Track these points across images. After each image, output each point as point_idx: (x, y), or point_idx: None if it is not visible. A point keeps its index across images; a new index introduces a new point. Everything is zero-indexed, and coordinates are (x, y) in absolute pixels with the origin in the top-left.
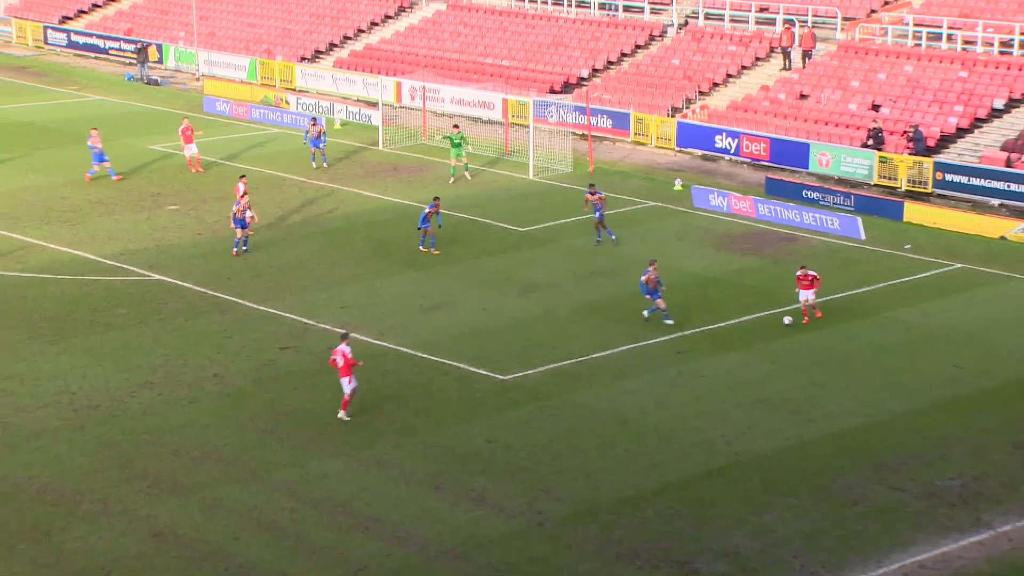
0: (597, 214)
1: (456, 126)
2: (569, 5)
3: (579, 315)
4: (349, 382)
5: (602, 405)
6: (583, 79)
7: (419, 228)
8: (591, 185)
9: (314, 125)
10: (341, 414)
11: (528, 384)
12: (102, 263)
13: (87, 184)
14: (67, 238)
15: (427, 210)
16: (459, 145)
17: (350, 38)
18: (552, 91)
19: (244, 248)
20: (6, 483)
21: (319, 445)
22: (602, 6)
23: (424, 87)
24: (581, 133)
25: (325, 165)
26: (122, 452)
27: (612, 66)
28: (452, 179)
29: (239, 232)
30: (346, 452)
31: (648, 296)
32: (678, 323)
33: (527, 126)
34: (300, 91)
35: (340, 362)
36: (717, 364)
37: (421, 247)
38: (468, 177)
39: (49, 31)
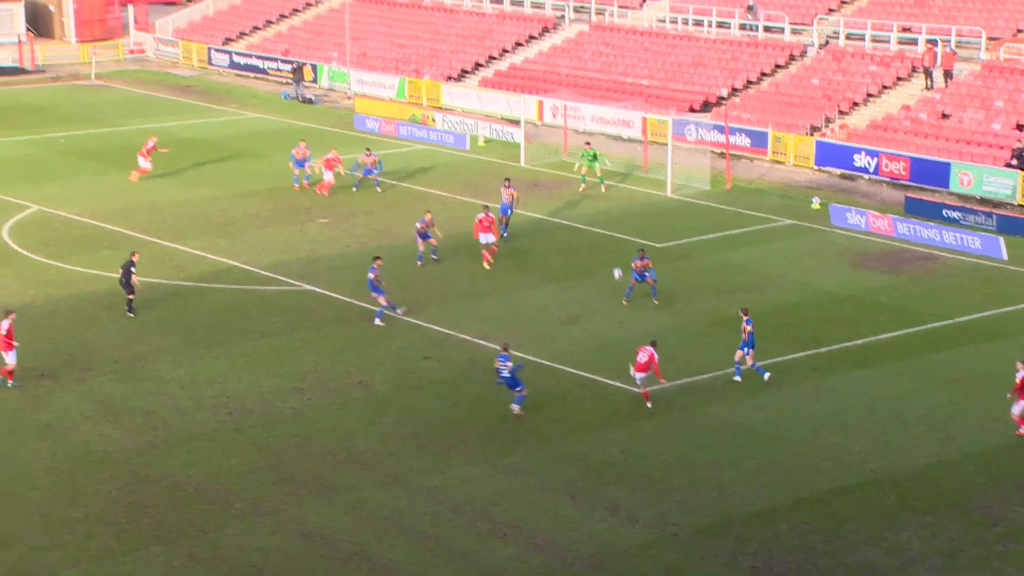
0: (505, 211)
1: (588, 143)
2: (710, 26)
3: (715, 329)
4: (643, 377)
5: (736, 419)
6: (722, 98)
7: (636, 281)
8: (506, 179)
9: (368, 156)
10: (649, 405)
11: (663, 396)
12: (257, 273)
13: (245, 197)
14: (225, 249)
15: (634, 263)
16: (594, 160)
17: (495, 58)
18: (691, 110)
19: (434, 257)
20: (166, 481)
21: (459, 452)
22: (743, 27)
23: (565, 105)
24: (719, 151)
25: (378, 190)
26: (273, 454)
27: (751, 85)
28: (582, 186)
29: (422, 245)
30: (485, 459)
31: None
32: (814, 339)
33: (666, 144)
34: (446, 109)
35: (643, 359)
36: (852, 381)
37: (626, 300)
38: (603, 190)
39: (213, 52)
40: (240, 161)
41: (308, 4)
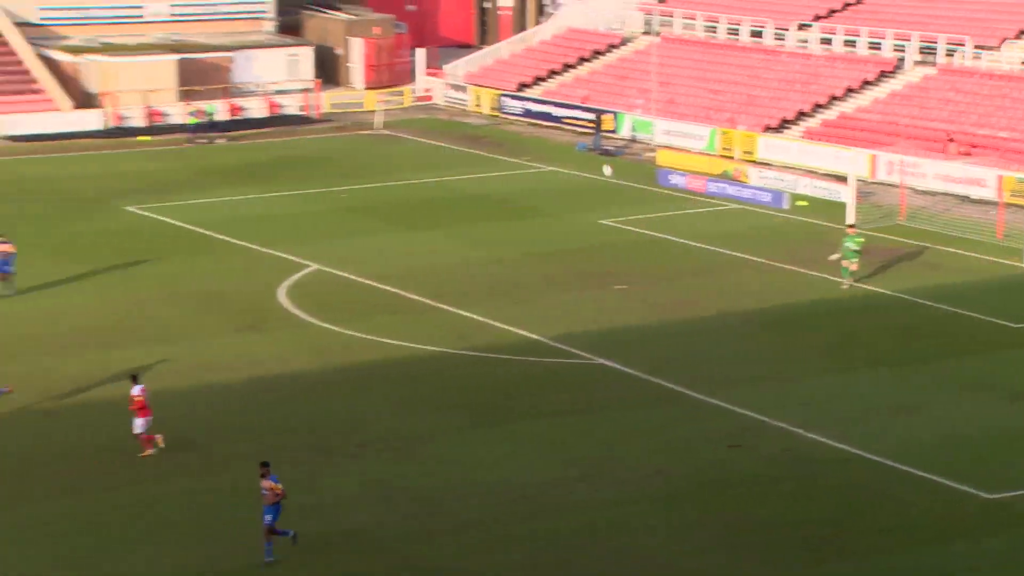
0: None
1: (851, 227)
2: None
3: None
4: None
5: None
6: None
7: None
8: None
9: None
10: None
11: (1018, 507)
12: (546, 344)
13: (536, 259)
14: (512, 316)
15: None
16: (856, 253)
17: (822, 106)
18: None
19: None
20: (439, 572)
21: (766, 559)
22: None
23: (902, 160)
24: None
25: None
26: (557, 549)
27: None
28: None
29: None
30: (798, 570)
31: None
32: None
33: None
34: (762, 163)
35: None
36: None
37: None
38: (844, 287)
39: (504, 99)
40: (531, 219)
41: (611, 46)
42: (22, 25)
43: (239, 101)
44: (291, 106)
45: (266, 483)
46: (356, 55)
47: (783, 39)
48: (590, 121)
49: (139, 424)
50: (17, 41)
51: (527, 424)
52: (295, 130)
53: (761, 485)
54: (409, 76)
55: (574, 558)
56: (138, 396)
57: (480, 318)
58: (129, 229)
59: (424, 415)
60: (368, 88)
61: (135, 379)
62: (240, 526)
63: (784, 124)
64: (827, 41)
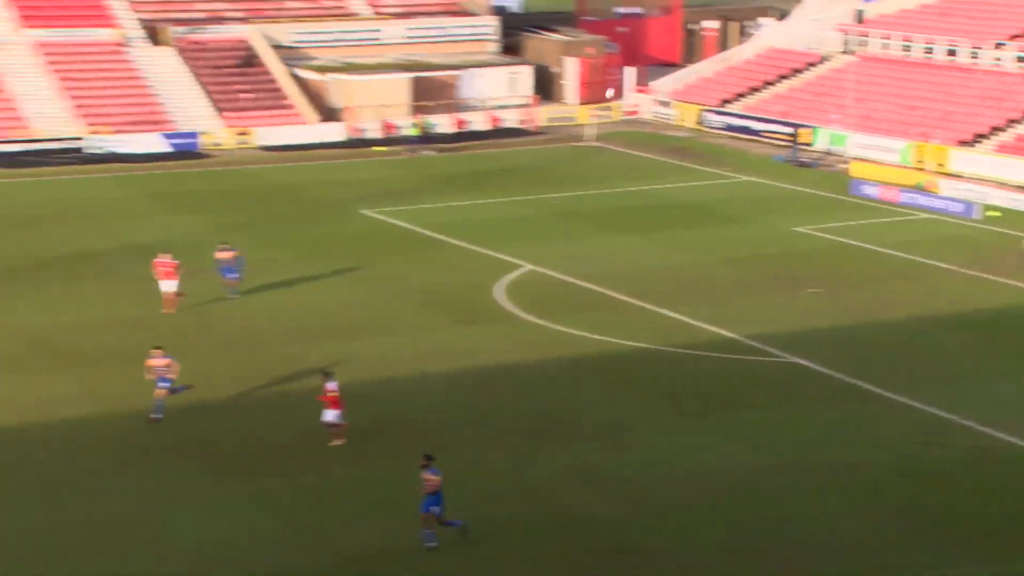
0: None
1: None
2: None
3: None
4: None
5: None
6: None
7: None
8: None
9: None
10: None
11: None
12: (742, 342)
13: (732, 263)
14: (711, 316)
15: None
16: None
17: (1016, 121)
18: None
19: None
20: (644, 553)
21: (960, 551)
22: None
23: None
24: None
25: None
26: (751, 535)
27: None
28: None
29: None
30: (988, 561)
31: None
32: None
33: None
34: (954, 175)
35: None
36: None
37: None
38: None
39: (707, 114)
40: (728, 226)
41: (810, 65)
42: (277, 47)
43: (464, 115)
44: (510, 120)
45: (424, 474)
46: (570, 73)
47: (977, 57)
48: (787, 135)
49: (332, 415)
50: (272, 61)
51: (728, 416)
52: (513, 142)
53: (950, 481)
54: (619, 92)
55: (770, 543)
56: (333, 391)
57: (681, 317)
58: (364, 231)
59: (631, 406)
60: (581, 104)
61: (328, 375)
62: (453, 505)
63: (977, 138)
64: (1022, 59)
